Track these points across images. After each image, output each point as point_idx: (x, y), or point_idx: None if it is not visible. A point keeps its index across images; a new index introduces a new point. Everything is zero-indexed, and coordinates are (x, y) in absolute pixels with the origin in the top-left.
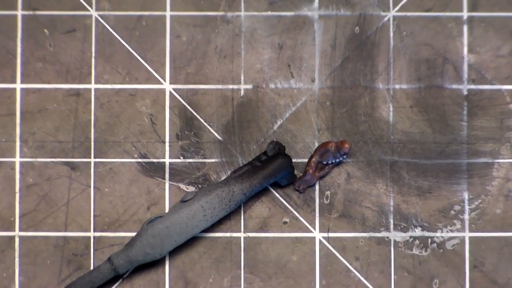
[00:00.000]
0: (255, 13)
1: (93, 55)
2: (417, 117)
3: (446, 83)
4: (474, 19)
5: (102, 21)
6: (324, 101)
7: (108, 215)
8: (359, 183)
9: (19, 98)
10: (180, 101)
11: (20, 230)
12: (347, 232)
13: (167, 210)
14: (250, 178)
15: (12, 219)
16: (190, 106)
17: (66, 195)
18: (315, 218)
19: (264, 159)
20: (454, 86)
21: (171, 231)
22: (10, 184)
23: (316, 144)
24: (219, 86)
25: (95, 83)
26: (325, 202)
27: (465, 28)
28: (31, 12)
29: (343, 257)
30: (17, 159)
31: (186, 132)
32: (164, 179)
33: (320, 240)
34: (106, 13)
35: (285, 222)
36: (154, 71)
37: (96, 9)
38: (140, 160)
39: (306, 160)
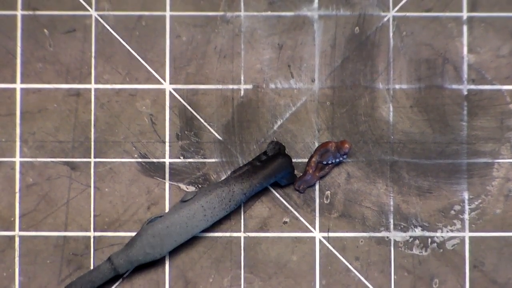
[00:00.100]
0: (255, 13)
1: (93, 55)
2: (417, 117)
3: (446, 83)
4: (474, 19)
5: (102, 21)
6: (324, 101)
7: (108, 215)
8: (359, 183)
9: (19, 98)
10: (180, 101)
11: (20, 230)
12: (347, 232)
13: (167, 210)
14: (250, 178)
15: (12, 219)
16: (190, 106)
17: (66, 195)
18: (315, 218)
19: (264, 159)
20: (454, 86)
21: (171, 231)
22: (10, 184)
23: (316, 144)
24: (219, 86)
25: (95, 83)
26: (325, 202)
27: (465, 28)
28: (31, 12)
29: (343, 257)
30: (17, 159)
31: (186, 132)
32: (164, 179)
33: (320, 240)
34: (106, 13)
35: (285, 222)
36: (154, 71)
37: (96, 9)
38: (140, 160)
39: (306, 160)
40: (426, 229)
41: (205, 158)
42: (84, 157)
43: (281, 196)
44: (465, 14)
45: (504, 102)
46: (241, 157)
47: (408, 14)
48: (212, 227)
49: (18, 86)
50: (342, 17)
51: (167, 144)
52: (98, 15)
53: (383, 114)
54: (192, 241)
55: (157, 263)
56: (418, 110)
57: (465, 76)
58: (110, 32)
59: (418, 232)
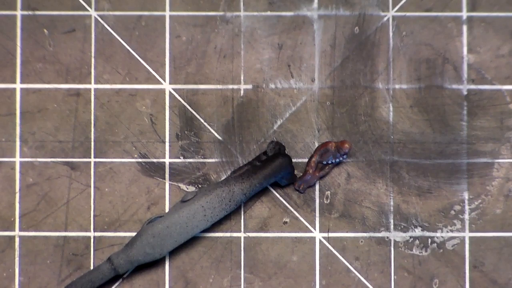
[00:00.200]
0: (255, 13)
1: (93, 55)
2: (417, 117)
3: (446, 83)
4: (473, 19)
5: (101, 21)
6: (324, 101)
7: (108, 215)
8: (359, 183)
9: (19, 98)
10: (180, 101)
11: (20, 230)
12: (347, 232)
13: (167, 210)
14: (250, 178)
15: (12, 219)
16: (190, 106)
17: (66, 195)
18: (315, 218)
19: (264, 159)
20: (454, 86)
21: (171, 231)
22: (10, 184)
23: (316, 144)
24: (219, 86)
25: (95, 83)
26: (325, 202)
27: (465, 28)
28: (30, 12)
29: (343, 257)
30: (17, 159)
31: (186, 132)
32: (164, 179)
33: (320, 240)
34: (105, 13)
35: (285, 222)
36: (154, 71)
37: (96, 9)
38: (140, 160)
39: (306, 160)
40: (426, 229)
41: (205, 158)
42: (84, 157)
43: (281, 196)
44: (465, 14)
45: (504, 102)
46: (241, 157)
47: (407, 14)
48: (212, 227)
49: (18, 86)
50: (342, 17)
51: (167, 144)
52: (98, 15)
53: (383, 114)
54: (192, 241)
55: (157, 263)
56: (418, 110)
57: (465, 76)
58: (110, 32)
59: (418, 232)
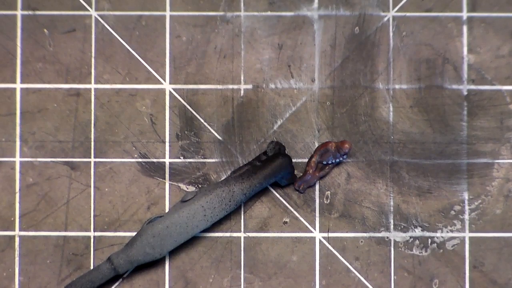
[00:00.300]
0: (255, 13)
1: (93, 55)
2: (417, 117)
3: (446, 83)
4: (473, 19)
5: (102, 21)
6: (324, 101)
7: (108, 215)
8: (359, 183)
9: (19, 98)
10: (180, 101)
11: (20, 230)
12: (347, 232)
13: (167, 210)
14: (250, 178)
15: (12, 219)
16: (190, 106)
17: (66, 195)
18: (315, 218)
19: (264, 159)
20: (454, 86)
21: (171, 231)
22: (10, 184)
23: (316, 144)
24: (219, 86)
25: (95, 83)
26: (325, 202)
27: (465, 28)
28: (30, 12)
29: (343, 257)
30: (17, 159)
31: (186, 132)
32: (164, 179)
33: (320, 240)
34: (105, 13)
35: (285, 222)
36: (154, 71)
37: (96, 9)
38: (140, 160)
39: (306, 160)
40: (426, 229)
41: (205, 158)
42: (84, 157)
43: (281, 196)
44: (465, 14)
45: (504, 102)
46: (241, 157)
47: (408, 14)
48: (212, 227)
49: (18, 86)
50: (342, 17)
51: (167, 144)
52: (98, 15)
53: (383, 114)
54: (192, 241)
55: (157, 263)
56: (418, 110)
57: (465, 76)
58: (110, 32)
59: (418, 232)
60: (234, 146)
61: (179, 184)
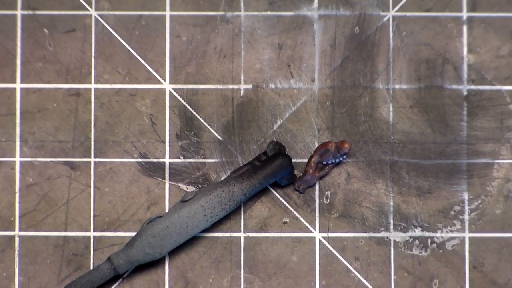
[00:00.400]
0: (255, 13)
1: (93, 55)
2: (417, 117)
3: (446, 83)
4: (473, 19)
5: (102, 21)
6: (324, 101)
7: (108, 215)
8: (359, 183)
9: (19, 98)
10: (180, 101)
11: (20, 230)
12: (347, 232)
13: (167, 210)
14: (250, 178)
15: (12, 219)
16: (190, 106)
17: (66, 195)
18: (315, 218)
19: (264, 159)
20: (454, 86)
21: (171, 231)
22: (10, 184)
23: (316, 144)
24: (219, 86)
25: (95, 83)
26: (325, 202)
27: (465, 28)
28: (30, 12)
29: (343, 257)
30: (17, 159)
31: (186, 132)
32: (164, 179)
33: (320, 240)
34: (105, 12)
35: (285, 222)
36: (154, 71)
37: (96, 9)
38: (140, 160)
39: (306, 160)
40: (426, 229)
41: (205, 158)
42: (84, 157)
43: (281, 196)
44: (465, 14)
45: (504, 103)
46: (241, 157)
47: (408, 14)
48: (212, 227)
49: (18, 86)
50: (342, 17)
51: (167, 144)
52: (98, 14)
53: (383, 114)
54: (192, 241)
55: (157, 263)
56: (418, 110)
57: (465, 76)
58: (110, 32)
59: (418, 232)
60: (234, 146)
61: (179, 184)
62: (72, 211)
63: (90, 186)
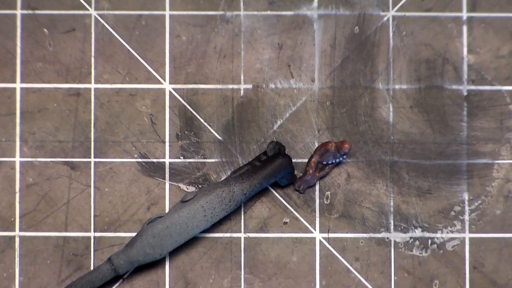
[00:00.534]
0: (255, 13)
1: (93, 54)
2: (417, 117)
3: (446, 84)
4: (473, 20)
5: (101, 20)
6: (324, 101)
7: (108, 215)
8: (359, 183)
9: (19, 98)
10: (180, 101)
11: (20, 230)
12: (347, 232)
13: (167, 210)
14: (250, 178)
15: (12, 219)
16: (190, 106)
17: (66, 195)
18: (315, 219)
19: (264, 159)
20: (454, 87)
21: (171, 231)
22: (10, 184)
23: (316, 144)
24: (219, 86)
25: (95, 83)
26: (325, 202)
27: (465, 28)
28: (30, 12)
29: (343, 258)
30: (17, 159)
31: (186, 132)
32: (164, 179)
33: (320, 240)
34: (105, 12)
35: (285, 222)
36: (154, 71)
37: (96, 9)
38: (140, 160)
39: (306, 160)
40: (426, 230)
41: (205, 158)
42: (84, 157)
43: (281, 196)
44: (465, 14)
45: (504, 103)
46: (241, 157)
47: (407, 14)
48: (212, 228)
49: (18, 85)
50: (341, 16)
51: (167, 144)
52: (98, 14)
53: (383, 114)
54: (192, 241)
55: (157, 263)
56: (418, 110)
57: (465, 76)
58: (110, 31)
59: (418, 233)
60: (234, 146)
61: (179, 184)
62: (72, 211)
63: (90, 186)
